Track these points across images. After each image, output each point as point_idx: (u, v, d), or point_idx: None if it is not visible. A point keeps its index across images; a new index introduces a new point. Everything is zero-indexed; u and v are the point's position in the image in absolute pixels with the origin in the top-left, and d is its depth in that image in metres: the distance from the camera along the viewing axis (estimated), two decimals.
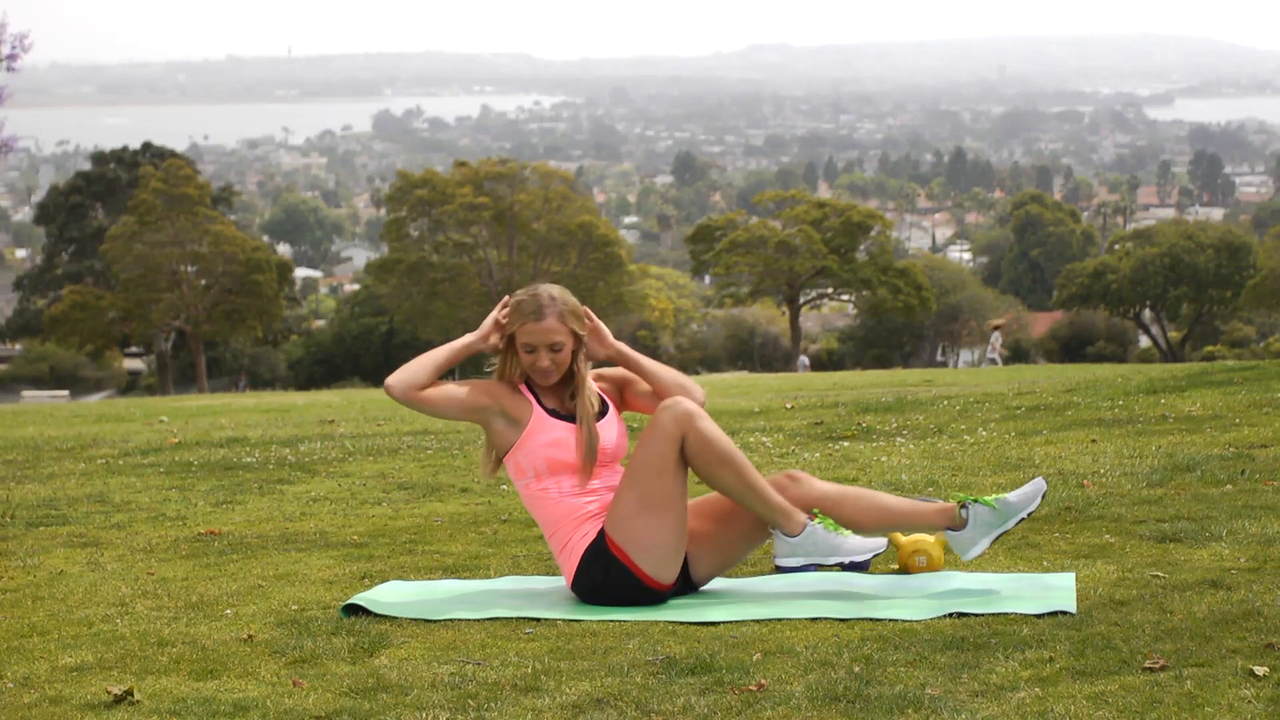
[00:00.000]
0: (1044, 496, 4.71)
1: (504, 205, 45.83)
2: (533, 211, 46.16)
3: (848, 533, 4.68)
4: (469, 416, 4.80)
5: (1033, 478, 6.62)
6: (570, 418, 4.80)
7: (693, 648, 4.07)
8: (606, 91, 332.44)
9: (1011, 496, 4.69)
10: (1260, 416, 8.27)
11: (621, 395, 4.97)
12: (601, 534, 4.67)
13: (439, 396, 4.78)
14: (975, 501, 4.69)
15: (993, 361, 30.88)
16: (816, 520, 4.67)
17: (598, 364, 4.96)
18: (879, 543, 4.69)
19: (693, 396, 4.80)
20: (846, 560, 4.65)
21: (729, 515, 4.77)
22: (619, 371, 4.96)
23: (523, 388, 4.85)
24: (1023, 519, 4.66)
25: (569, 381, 4.85)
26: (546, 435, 4.75)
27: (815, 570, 5.00)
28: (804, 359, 39.58)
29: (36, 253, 79.03)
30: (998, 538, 4.67)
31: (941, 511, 4.72)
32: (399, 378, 4.75)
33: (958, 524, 4.68)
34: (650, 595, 4.65)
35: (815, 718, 3.43)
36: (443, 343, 5.08)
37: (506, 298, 4.92)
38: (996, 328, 32.57)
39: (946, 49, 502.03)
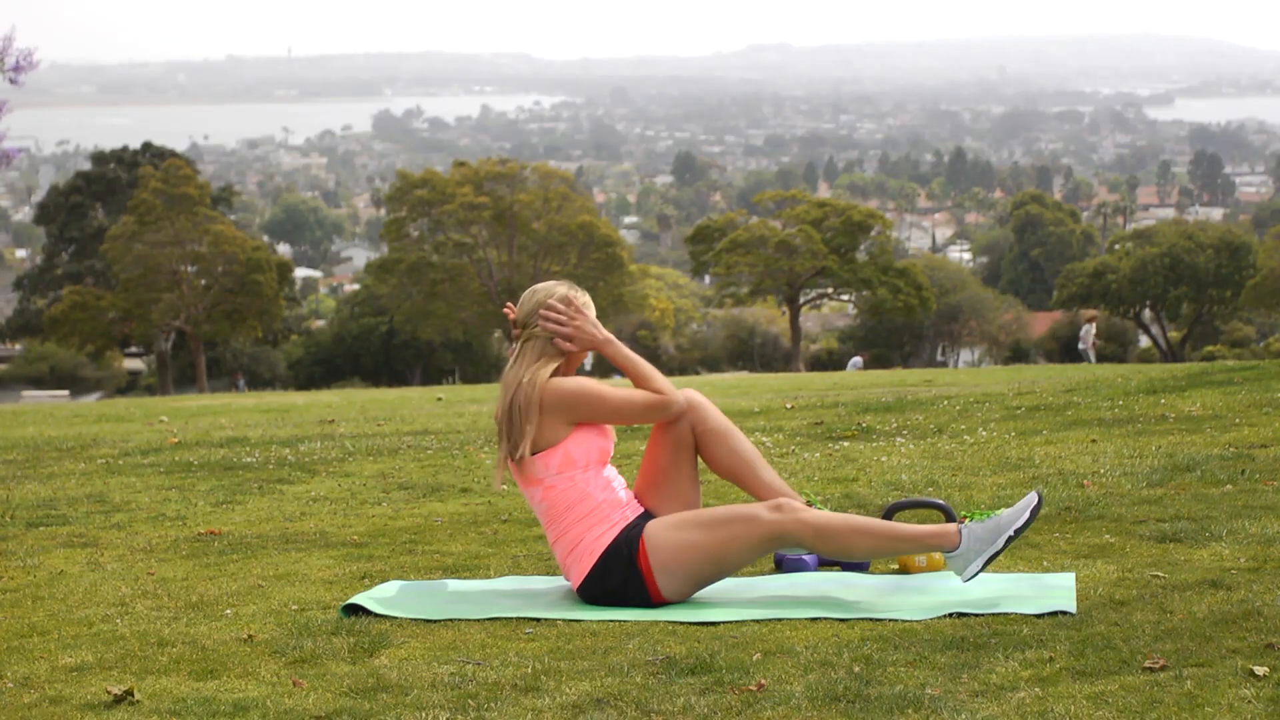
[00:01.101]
0: (1035, 510, 4.63)
1: (504, 205, 45.83)
2: (533, 211, 46.16)
3: (999, 511, 4.65)
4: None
5: (1036, 478, 6.63)
6: None
7: (693, 648, 4.07)
8: (606, 91, 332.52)
9: (1004, 513, 4.66)
10: (1260, 416, 8.27)
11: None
12: (630, 539, 4.66)
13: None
14: (972, 518, 4.68)
15: (1085, 354, 30.17)
16: (966, 522, 4.65)
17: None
18: (1029, 499, 4.63)
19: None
20: (1013, 532, 4.56)
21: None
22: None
23: None
24: (1012, 537, 4.59)
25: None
26: (597, 424, 4.81)
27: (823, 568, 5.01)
28: (858, 359, 39.36)
29: (36, 253, 79.08)
30: (992, 558, 4.60)
31: (943, 534, 4.65)
32: (668, 387, 4.83)
33: (956, 545, 4.62)
34: (649, 603, 4.65)
35: (815, 718, 3.43)
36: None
37: (570, 297, 4.91)
38: (1091, 319, 31.81)
39: (946, 49, 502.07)
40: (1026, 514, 4.62)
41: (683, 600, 4.68)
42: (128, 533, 6.29)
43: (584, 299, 4.91)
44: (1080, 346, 30.86)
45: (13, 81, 8.27)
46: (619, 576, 4.63)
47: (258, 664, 4.04)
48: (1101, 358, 50.03)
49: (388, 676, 3.87)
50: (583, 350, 4.88)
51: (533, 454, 4.75)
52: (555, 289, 4.88)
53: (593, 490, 4.73)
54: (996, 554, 4.59)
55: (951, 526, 4.64)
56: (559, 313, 4.83)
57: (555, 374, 4.82)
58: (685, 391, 4.89)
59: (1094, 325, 31.08)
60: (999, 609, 4.33)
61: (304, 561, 5.49)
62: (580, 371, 5.14)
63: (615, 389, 4.85)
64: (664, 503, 4.82)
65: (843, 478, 7.05)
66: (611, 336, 4.93)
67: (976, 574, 4.59)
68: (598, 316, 4.99)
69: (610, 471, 4.82)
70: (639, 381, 4.84)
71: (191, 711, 3.62)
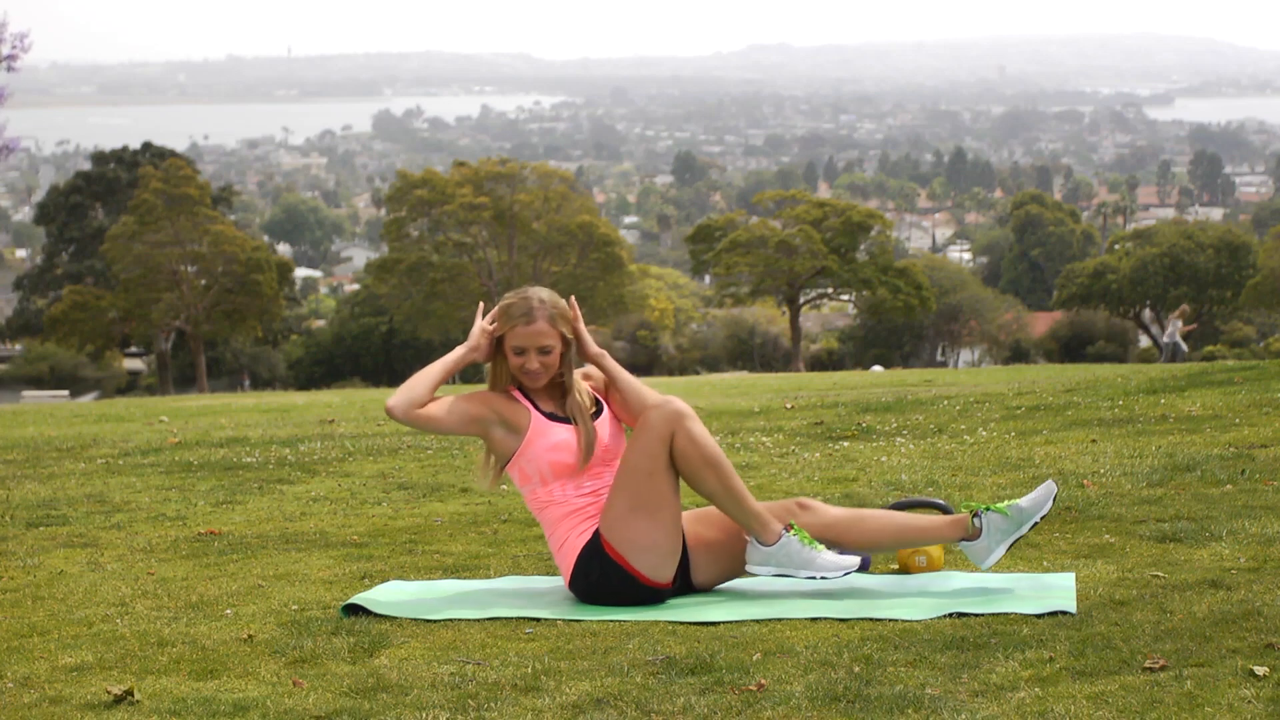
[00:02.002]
0: (1055, 499, 4.71)
1: (504, 205, 45.83)
2: (533, 211, 46.16)
3: (821, 547, 4.68)
4: (469, 429, 4.81)
5: (1036, 478, 6.63)
6: (568, 419, 4.80)
7: (693, 648, 4.07)
8: (606, 91, 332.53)
9: (1023, 502, 4.69)
10: (1260, 416, 8.27)
11: (607, 398, 4.97)
12: (597, 534, 4.68)
13: (440, 412, 4.78)
14: (987, 510, 4.69)
15: (1170, 347, 29.64)
16: (792, 532, 4.67)
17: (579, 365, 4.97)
18: (852, 561, 4.69)
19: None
20: (818, 575, 4.64)
21: (736, 527, 4.78)
22: (601, 375, 4.96)
23: (517, 394, 4.85)
24: (1036, 523, 4.66)
25: (558, 384, 4.86)
26: (548, 439, 4.75)
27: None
28: (877, 367, 39.21)
29: (36, 253, 79.03)
30: (1013, 543, 4.67)
31: (955, 523, 4.71)
32: (399, 399, 4.74)
33: (971, 534, 4.68)
34: (649, 594, 4.65)
35: (815, 718, 3.43)
36: (439, 353, 5.11)
37: (482, 305, 4.96)
38: (1181, 314, 31.12)
39: (946, 49, 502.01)
40: (1049, 502, 4.68)
41: (670, 575, 4.67)
42: (128, 533, 6.29)
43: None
44: (1165, 340, 30.29)
45: (9, 68, 8.27)
46: (598, 571, 4.65)
47: (258, 664, 4.04)
48: (1102, 357, 50.06)
49: (388, 676, 3.87)
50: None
51: (501, 467, 4.84)
52: (539, 294, 4.86)
53: (566, 496, 4.75)
54: (1019, 538, 4.66)
55: (778, 525, 4.67)
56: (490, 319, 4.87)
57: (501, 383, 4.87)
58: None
59: (1181, 319, 30.38)
60: (999, 609, 4.33)
61: (304, 561, 5.49)
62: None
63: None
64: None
65: (843, 478, 7.05)
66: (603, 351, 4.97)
67: (997, 560, 4.67)
68: (598, 317, 4.99)
69: (603, 478, 4.79)
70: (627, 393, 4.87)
71: (191, 711, 3.62)
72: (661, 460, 4.64)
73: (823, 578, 4.65)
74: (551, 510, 4.76)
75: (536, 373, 4.78)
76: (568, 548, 4.72)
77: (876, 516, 4.79)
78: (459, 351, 4.87)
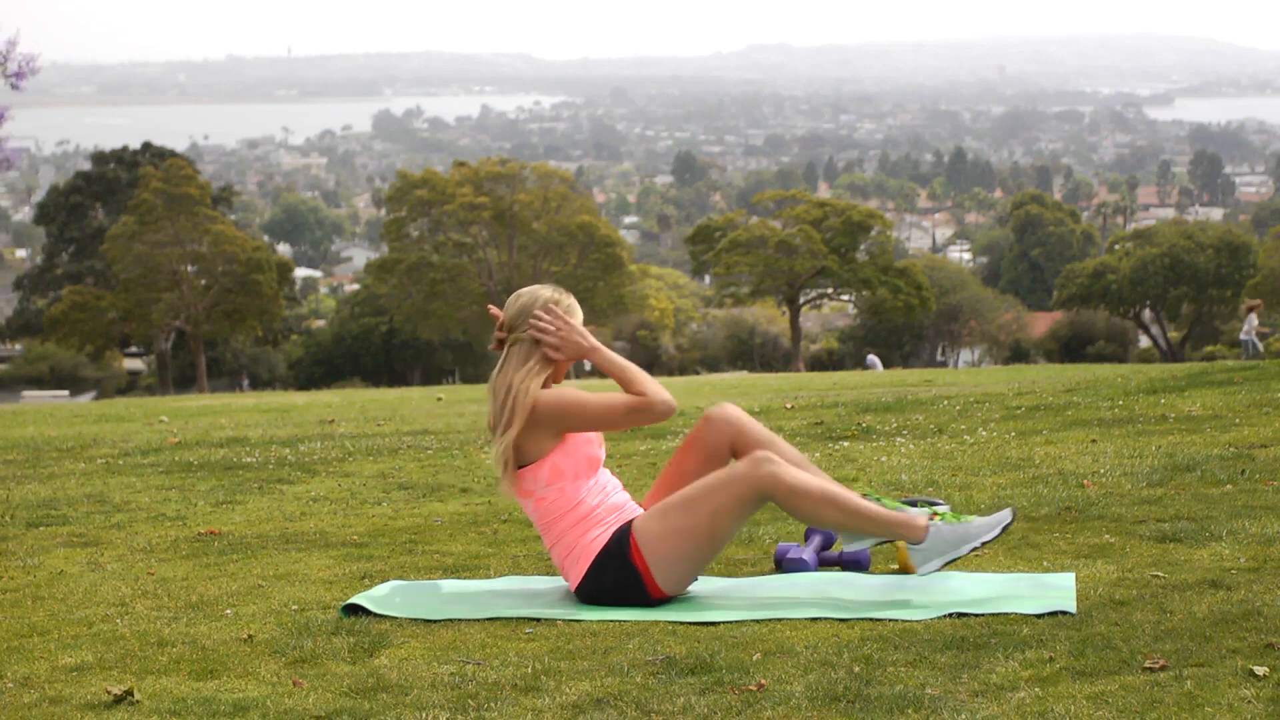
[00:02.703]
0: (1007, 528, 4.65)
1: (504, 205, 45.83)
2: (533, 211, 46.17)
3: (970, 518, 4.65)
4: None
5: (1036, 478, 6.63)
6: None
7: (693, 648, 4.07)
8: (606, 91, 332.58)
9: (975, 521, 4.65)
10: (1260, 416, 8.27)
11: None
12: (622, 535, 4.65)
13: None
14: (943, 518, 4.65)
15: (1249, 344, 28.94)
16: (937, 518, 4.64)
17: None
18: (1004, 515, 4.65)
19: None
20: (979, 544, 4.59)
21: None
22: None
23: None
24: (976, 548, 4.61)
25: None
26: (584, 433, 4.76)
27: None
28: (874, 358, 39.03)
29: (36, 253, 79.04)
30: (951, 561, 4.61)
31: (909, 524, 4.63)
32: (661, 392, 4.72)
33: (922, 538, 4.62)
34: (650, 601, 4.65)
35: (815, 718, 3.43)
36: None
37: (551, 307, 4.82)
38: (1251, 309, 30.57)
39: (946, 49, 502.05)
40: (997, 530, 4.63)
41: (680, 592, 4.68)
42: (128, 533, 6.29)
43: (568, 302, 4.84)
44: (1243, 337, 29.85)
45: (15, 87, 8.27)
46: (614, 576, 4.63)
47: (258, 664, 4.04)
48: (1102, 357, 50.08)
49: (388, 676, 3.87)
50: (570, 359, 4.84)
51: (520, 467, 4.73)
52: (540, 293, 4.82)
53: (585, 497, 4.73)
54: (955, 559, 4.62)
55: (921, 519, 4.63)
56: (548, 321, 4.77)
57: (543, 385, 4.78)
58: (724, 408, 4.78)
59: (1255, 315, 29.82)
60: (999, 609, 4.33)
61: (304, 561, 5.49)
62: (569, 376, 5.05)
63: (597, 395, 4.76)
64: None
65: (843, 478, 7.05)
66: (598, 344, 4.85)
67: (932, 573, 4.64)
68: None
69: (605, 476, 4.81)
70: (626, 385, 4.75)
71: (191, 711, 3.62)
72: (737, 511, 4.61)
73: (983, 543, 4.60)
74: (568, 516, 4.71)
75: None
76: (584, 551, 4.68)
77: (834, 495, 4.63)
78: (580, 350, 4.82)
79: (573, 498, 4.72)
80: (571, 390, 4.77)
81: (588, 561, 4.67)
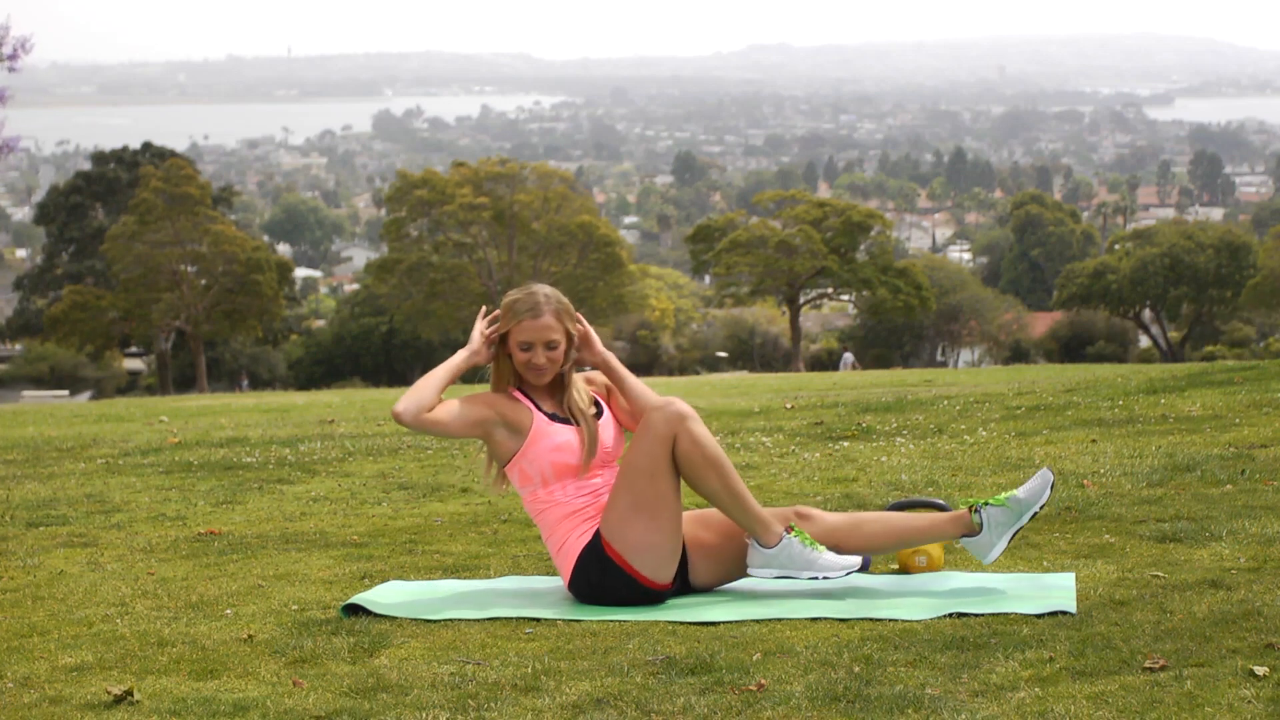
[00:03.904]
0: (1053, 487, 4.71)
1: (504, 205, 45.81)
2: (532, 211, 46.15)
3: (822, 548, 4.67)
4: (473, 431, 4.78)
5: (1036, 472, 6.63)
6: (569, 420, 4.80)
7: (693, 648, 4.07)
8: (606, 91, 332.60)
9: (1020, 492, 4.69)
10: (1260, 416, 8.27)
11: (608, 401, 4.96)
12: (597, 535, 4.68)
13: (445, 416, 4.73)
14: (986, 504, 4.69)
15: None
16: (793, 534, 4.66)
17: (581, 369, 4.96)
18: (853, 560, 4.69)
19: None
20: (820, 575, 4.64)
21: (734, 529, 4.77)
22: (604, 379, 4.95)
23: (519, 395, 4.84)
24: (1035, 513, 4.68)
25: (559, 384, 4.85)
26: (550, 440, 4.75)
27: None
28: (849, 355, 38.80)
29: (36, 253, 79.04)
30: (1014, 535, 4.69)
31: (955, 520, 4.72)
32: (407, 404, 4.69)
33: (974, 529, 4.69)
34: (649, 595, 4.65)
35: (815, 718, 3.43)
36: (439, 353, 5.07)
37: (484, 308, 4.95)
38: None
39: (946, 49, 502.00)
40: (1047, 491, 4.68)
41: (671, 576, 4.67)
42: (128, 533, 6.29)
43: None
44: None
45: (10, 69, 8.29)
46: (599, 574, 4.65)
47: (258, 664, 4.04)
48: (1102, 357, 50.08)
49: (388, 676, 3.87)
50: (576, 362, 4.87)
51: (502, 469, 4.83)
52: (544, 289, 4.86)
53: (566, 498, 4.74)
54: (1019, 529, 4.68)
55: (778, 526, 4.67)
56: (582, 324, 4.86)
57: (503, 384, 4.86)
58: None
59: None
60: (999, 609, 4.33)
61: (304, 561, 5.49)
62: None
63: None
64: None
65: (843, 478, 7.05)
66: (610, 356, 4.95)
67: (1001, 554, 4.68)
68: (598, 317, 4.99)
69: (604, 478, 4.79)
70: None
71: (191, 711, 3.62)
72: (663, 461, 4.64)
73: (824, 578, 4.65)
74: (551, 512, 4.75)
75: (542, 368, 4.78)
76: (567, 549, 4.72)
77: (876, 520, 4.78)
78: (461, 355, 4.85)
79: (552, 499, 4.75)
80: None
81: (572, 558, 4.70)
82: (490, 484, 4.89)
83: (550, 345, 4.77)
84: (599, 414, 4.85)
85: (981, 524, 4.67)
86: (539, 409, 4.80)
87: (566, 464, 4.73)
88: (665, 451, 4.64)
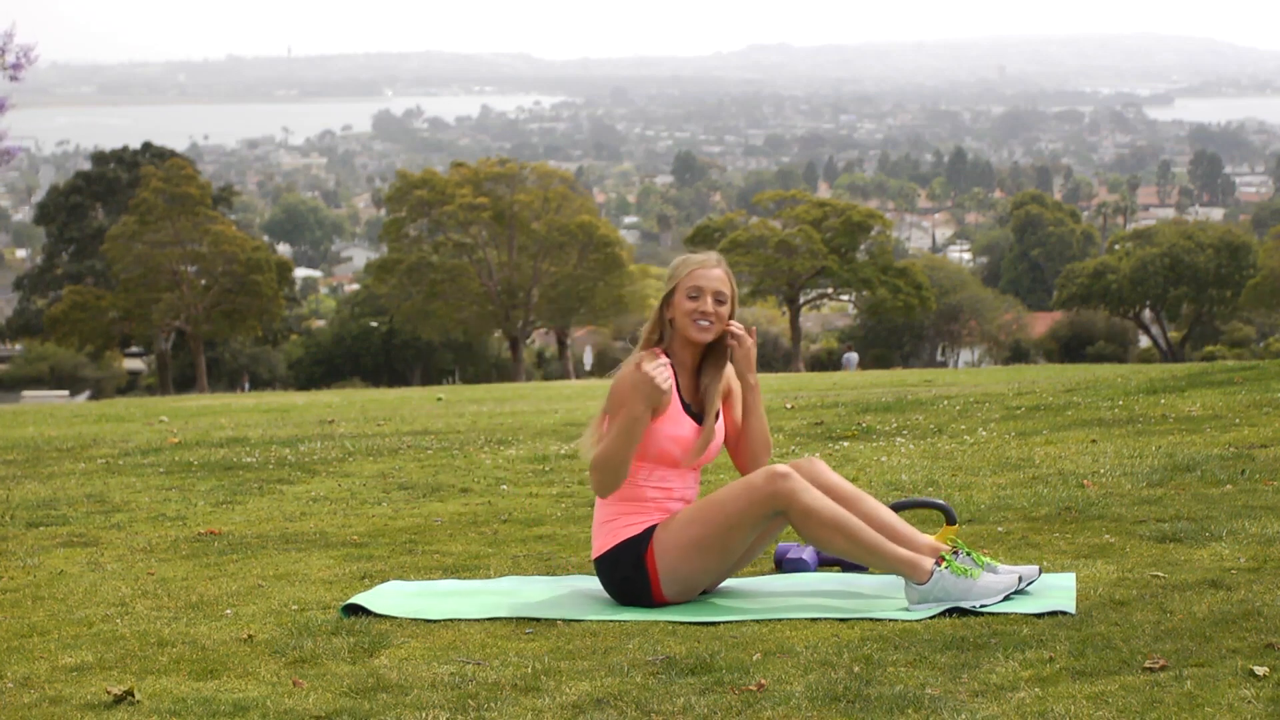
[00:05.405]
0: (1016, 594, 4.45)
1: (504, 205, 45.79)
2: (532, 211, 46.12)
3: (977, 573, 4.45)
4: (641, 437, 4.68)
5: (1036, 477, 6.61)
6: (697, 416, 4.77)
7: (693, 648, 4.07)
8: (606, 91, 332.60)
9: (984, 578, 4.44)
10: (1260, 416, 8.27)
11: (726, 405, 4.92)
12: (648, 536, 4.66)
13: (628, 453, 4.61)
14: (946, 565, 4.46)
15: None
16: (944, 566, 4.47)
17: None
18: (1009, 581, 4.45)
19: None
20: (978, 604, 4.40)
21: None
22: (732, 381, 4.89)
23: (664, 357, 4.73)
24: (977, 609, 4.37)
25: (711, 361, 4.80)
26: (673, 429, 4.71)
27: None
28: (852, 355, 38.64)
29: (36, 253, 79.01)
30: (945, 611, 4.39)
31: (914, 565, 4.48)
32: (608, 486, 4.61)
33: (924, 579, 4.47)
34: (652, 604, 4.66)
35: (815, 718, 3.43)
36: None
37: (644, 358, 4.72)
38: None
39: (946, 49, 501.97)
40: (999, 596, 4.42)
41: (683, 601, 4.68)
42: (128, 533, 6.29)
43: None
44: None
45: (13, 78, 8.28)
46: (626, 570, 4.65)
47: (258, 664, 4.04)
48: (1102, 357, 50.09)
49: (388, 676, 3.87)
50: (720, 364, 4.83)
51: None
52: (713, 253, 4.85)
53: (644, 481, 4.71)
54: (952, 611, 4.39)
55: (928, 563, 4.47)
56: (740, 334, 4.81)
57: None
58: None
59: None
60: (999, 609, 4.33)
61: (304, 561, 5.49)
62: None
63: (620, 417, 4.65)
64: None
65: (842, 478, 7.04)
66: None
67: (922, 617, 4.36)
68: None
69: (685, 479, 4.76)
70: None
71: (191, 711, 3.62)
72: (750, 521, 4.59)
73: (982, 605, 4.40)
74: (627, 488, 4.71)
75: (709, 317, 4.73)
76: (614, 528, 4.70)
77: (867, 515, 4.63)
78: (639, 410, 4.61)
79: (634, 476, 4.70)
80: (628, 389, 4.65)
81: (613, 541, 4.68)
82: (593, 446, 4.71)
83: (719, 298, 4.73)
84: (717, 417, 4.83)
85: (932, 580, 4.45)
86: (679, 393, 4.75)
87: (671, 454, 4.71)
88: (757, 515, 4.59)
